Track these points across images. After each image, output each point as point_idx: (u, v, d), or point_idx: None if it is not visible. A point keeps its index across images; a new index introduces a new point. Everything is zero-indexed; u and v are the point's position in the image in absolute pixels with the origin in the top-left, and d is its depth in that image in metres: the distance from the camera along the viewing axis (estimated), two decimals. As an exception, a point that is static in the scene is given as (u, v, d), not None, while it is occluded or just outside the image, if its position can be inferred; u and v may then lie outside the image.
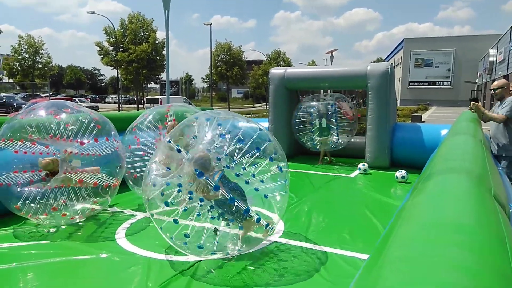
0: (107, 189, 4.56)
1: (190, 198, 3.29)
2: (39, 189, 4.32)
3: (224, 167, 3.33)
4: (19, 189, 4.31)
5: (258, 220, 3.27)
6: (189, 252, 3.40)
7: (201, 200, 3.31)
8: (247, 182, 3.40)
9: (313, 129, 8.36)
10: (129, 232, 4.40)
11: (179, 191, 3.29)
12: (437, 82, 56.57)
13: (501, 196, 2.19)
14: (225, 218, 3.49)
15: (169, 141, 3.36)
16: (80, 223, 4.64)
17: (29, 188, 4.32)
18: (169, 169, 3.46)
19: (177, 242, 3.34)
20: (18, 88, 58.70)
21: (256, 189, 3.38)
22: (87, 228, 4.56)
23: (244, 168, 3.37)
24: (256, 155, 3.30)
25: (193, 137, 3.53)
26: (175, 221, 3.23)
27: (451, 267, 1.04)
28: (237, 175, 3.41)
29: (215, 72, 43.85)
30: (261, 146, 3.33)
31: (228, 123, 3.43)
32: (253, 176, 3.40)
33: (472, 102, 5.54)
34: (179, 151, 3.28)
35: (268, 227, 3.44)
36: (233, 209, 3.30)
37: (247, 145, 3.28)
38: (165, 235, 3.35)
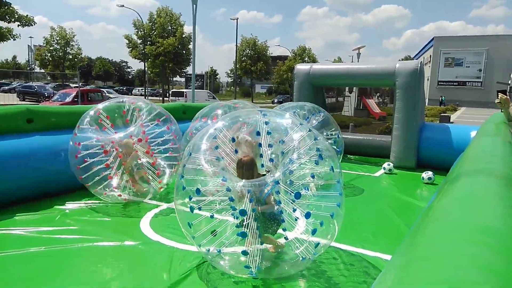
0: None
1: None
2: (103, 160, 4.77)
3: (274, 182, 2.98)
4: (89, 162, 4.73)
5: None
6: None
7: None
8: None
9: None
10: (153, 222, 4.50)
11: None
12: (467, 82, 54.94)
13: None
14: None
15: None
16: (107, 211, 4.78)
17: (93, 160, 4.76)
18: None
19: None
20: (49, 78, 60.47)
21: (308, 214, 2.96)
22: (114, 216, 4.69)
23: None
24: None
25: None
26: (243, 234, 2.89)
27: (478, 268, 1.02)
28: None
29: (240, 67, 43.99)
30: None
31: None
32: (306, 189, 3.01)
33: (500, 94, 5.20)
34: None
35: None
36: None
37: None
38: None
